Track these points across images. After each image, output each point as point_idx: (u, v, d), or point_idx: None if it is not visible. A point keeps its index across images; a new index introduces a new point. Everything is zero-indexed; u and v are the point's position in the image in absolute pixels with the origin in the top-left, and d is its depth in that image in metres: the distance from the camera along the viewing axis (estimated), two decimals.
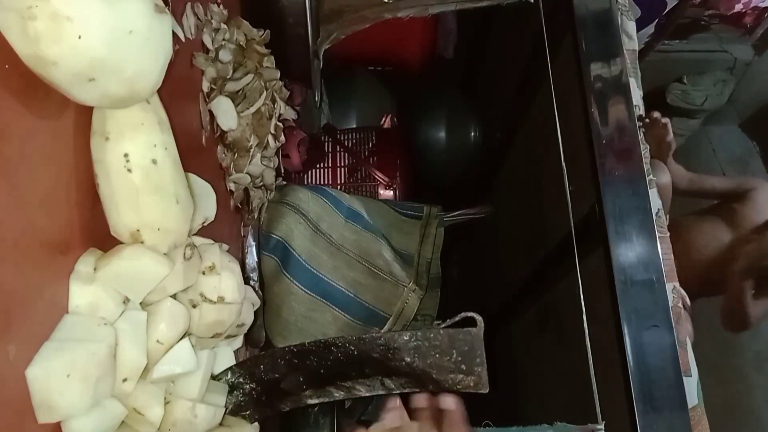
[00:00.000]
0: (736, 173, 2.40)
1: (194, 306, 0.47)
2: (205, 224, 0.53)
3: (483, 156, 1.49)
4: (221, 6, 0.66)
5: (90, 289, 0.39)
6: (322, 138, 1.27)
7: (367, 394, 0.59)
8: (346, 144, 1.27)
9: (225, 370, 0.57)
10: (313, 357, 0.58)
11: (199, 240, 0.52)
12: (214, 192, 0.54)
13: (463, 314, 0.56)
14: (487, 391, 0.55)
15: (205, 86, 0.64)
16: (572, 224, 0.84)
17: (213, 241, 0.53)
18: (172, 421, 0.45)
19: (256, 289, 0.79)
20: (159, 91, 0.42)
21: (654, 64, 2.08)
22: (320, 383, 0.59)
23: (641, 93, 0.89)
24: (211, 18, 0.64)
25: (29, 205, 0.34)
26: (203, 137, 0.64)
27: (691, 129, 2.31)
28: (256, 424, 0.58)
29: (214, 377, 0.56)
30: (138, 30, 0.34)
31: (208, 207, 0.54)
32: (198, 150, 0.58)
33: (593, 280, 0.78)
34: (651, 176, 0.80)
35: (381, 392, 0.59)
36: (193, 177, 0.51)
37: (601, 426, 0.67)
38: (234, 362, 0.59)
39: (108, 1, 0.32)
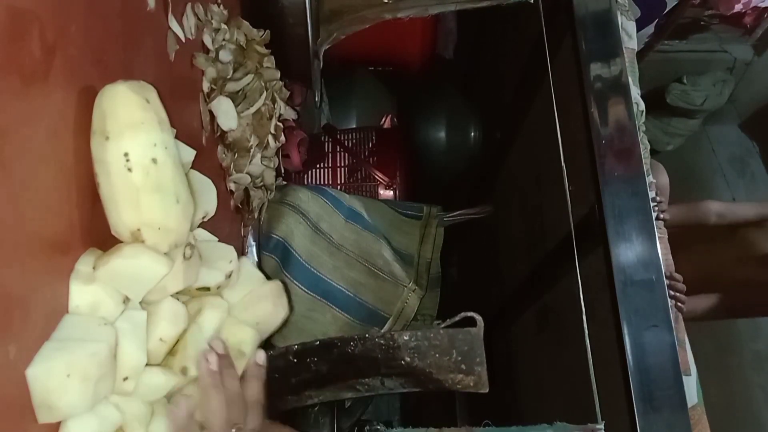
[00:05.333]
0: (735, 173, 2.40)
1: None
2: (205, 219, 0.53)
3: (483, 156, 1.49)
4: (221, 6, 0.66)
5: (90, 288, 0.39)
6: (322, 138, 1.27)
7: (367, 394, 0.59)
8: (346, 144, 1.27)
9: None
10: (313, 357, 0.58)
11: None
12: (214, 186, 0.54)
13: (463, 314, 0.56)
14: (487, 390, 0.55)
15: (206, 86, 0.64)
16: (572, 224, 0.84)
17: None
18: None
19: None
20: (159, 91, 0.42)
21: (654, 64, 2.08)
22: (320, 383, 0.59)
23: (639, 91, 0.89)
24: (212, 18, 0.64)
25: (29, 205, 0.34)
26: (203, 137, 0.64)
27: (691, 129, 2.31)
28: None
29: None
30: None
31: (209, 201, 0.54)
32: (198, 150, 0.58)
33: (593, 280, 0.78)
34: (650, 178, 0.80)
35: (381, 392, 0.59)
36: (193, 172, 0.52)
37: (601, 426, 0.67)
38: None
39: None
